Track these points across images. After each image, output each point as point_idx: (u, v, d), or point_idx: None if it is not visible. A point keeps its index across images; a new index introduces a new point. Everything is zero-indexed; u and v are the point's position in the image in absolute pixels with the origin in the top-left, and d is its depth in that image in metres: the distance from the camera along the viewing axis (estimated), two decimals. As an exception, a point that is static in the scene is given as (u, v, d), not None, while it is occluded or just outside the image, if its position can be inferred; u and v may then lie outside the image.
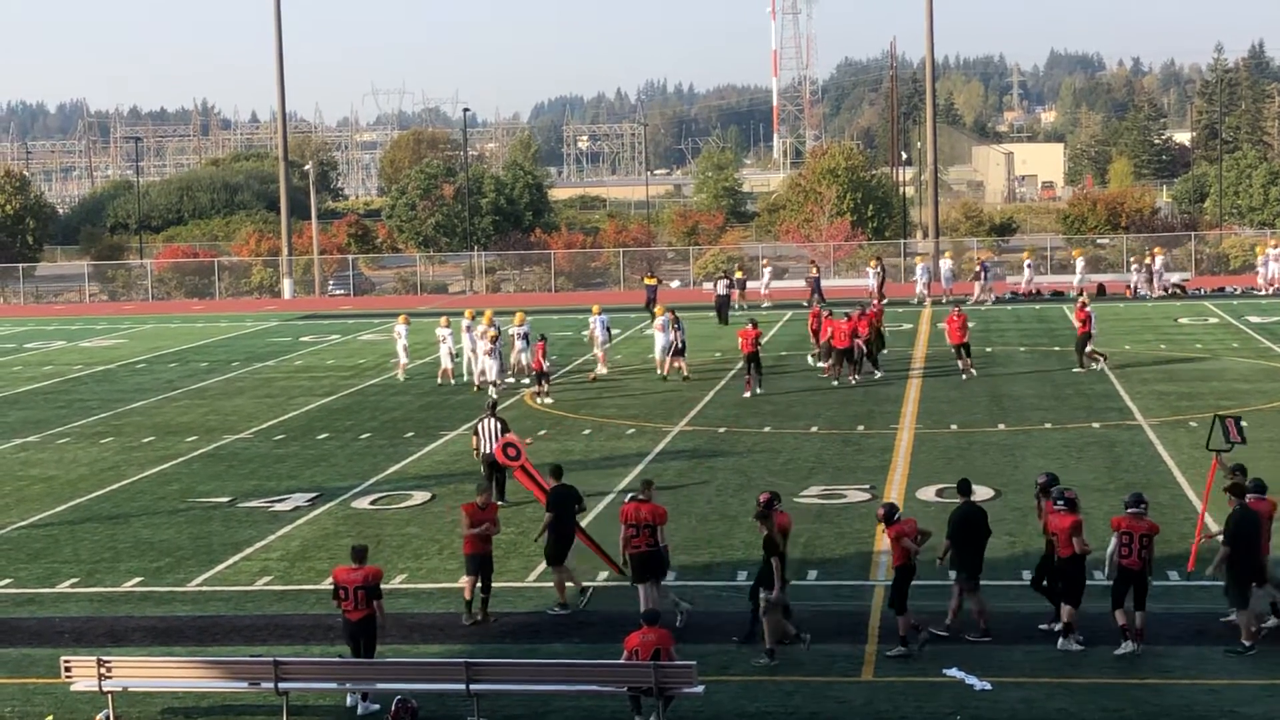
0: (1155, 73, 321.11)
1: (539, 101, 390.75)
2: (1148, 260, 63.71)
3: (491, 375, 38.82)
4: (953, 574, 18.55)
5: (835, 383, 38.66)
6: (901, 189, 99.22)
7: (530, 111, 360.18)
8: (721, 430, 33.11)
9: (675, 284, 63.44)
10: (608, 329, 43.02)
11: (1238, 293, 62.36)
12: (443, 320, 42.14)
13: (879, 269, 60.09)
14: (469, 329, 41.20)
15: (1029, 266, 64.11)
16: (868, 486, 26.77)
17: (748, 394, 37.29)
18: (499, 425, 25.88)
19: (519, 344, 41.46)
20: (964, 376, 39.03)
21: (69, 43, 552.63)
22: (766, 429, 32.93)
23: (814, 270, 62.85)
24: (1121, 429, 31.70)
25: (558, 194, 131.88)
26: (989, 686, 16.78)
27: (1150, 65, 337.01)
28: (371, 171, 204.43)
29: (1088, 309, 40.43)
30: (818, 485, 27.01)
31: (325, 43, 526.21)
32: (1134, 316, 54.08)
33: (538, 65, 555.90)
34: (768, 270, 66.26)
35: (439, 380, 40.99)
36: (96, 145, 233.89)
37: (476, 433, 26.41)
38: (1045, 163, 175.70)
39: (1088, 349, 40.29)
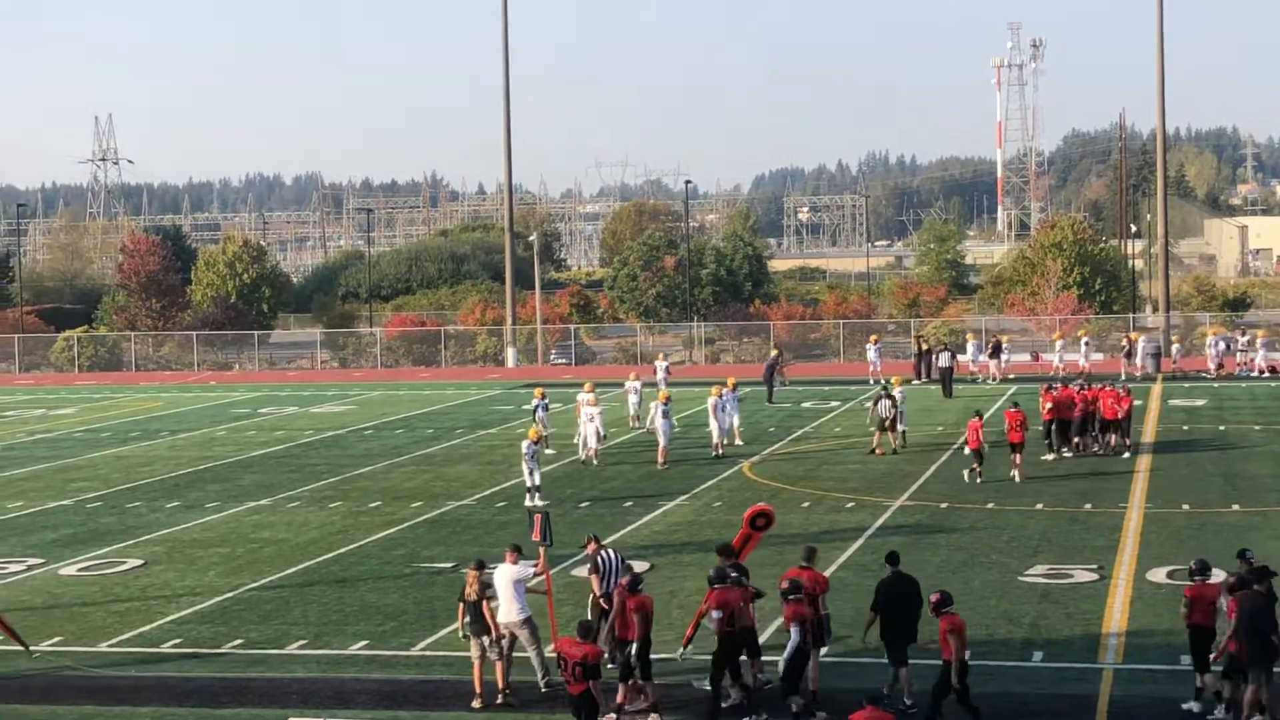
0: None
1: (760, 173, 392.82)
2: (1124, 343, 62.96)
3: (592, 443, 40.16)
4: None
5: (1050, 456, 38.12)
6: (1130, 262, 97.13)
7: (751, 183, 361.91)
8: (943, 506, 32.61)
9: (870, 352, 62.08)
10: (546, 408, 43.00)
11: None
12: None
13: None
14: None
15: (1238, 342, 62.65)
16: (1096, 566, 26.10)
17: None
18: (618, 558, 21.32)
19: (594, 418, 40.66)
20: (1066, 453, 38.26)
21: (305, 118, 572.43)
22: (990, 505, 32.34)
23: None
24: (1365, 512, 30.44)
25: (777, 265, 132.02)
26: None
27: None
28: (594, 242, 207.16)
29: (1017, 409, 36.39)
30: (1043, 564, 26.43)
31: (551, 116, 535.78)
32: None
33: (759, 137, 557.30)
34: (972, 344, 64.23)
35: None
36: (330, 216, 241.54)
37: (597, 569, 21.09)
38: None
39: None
